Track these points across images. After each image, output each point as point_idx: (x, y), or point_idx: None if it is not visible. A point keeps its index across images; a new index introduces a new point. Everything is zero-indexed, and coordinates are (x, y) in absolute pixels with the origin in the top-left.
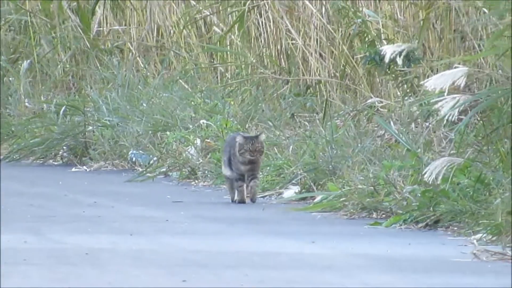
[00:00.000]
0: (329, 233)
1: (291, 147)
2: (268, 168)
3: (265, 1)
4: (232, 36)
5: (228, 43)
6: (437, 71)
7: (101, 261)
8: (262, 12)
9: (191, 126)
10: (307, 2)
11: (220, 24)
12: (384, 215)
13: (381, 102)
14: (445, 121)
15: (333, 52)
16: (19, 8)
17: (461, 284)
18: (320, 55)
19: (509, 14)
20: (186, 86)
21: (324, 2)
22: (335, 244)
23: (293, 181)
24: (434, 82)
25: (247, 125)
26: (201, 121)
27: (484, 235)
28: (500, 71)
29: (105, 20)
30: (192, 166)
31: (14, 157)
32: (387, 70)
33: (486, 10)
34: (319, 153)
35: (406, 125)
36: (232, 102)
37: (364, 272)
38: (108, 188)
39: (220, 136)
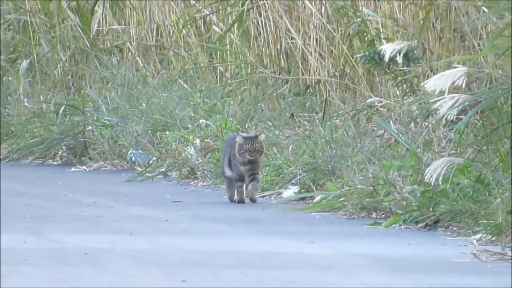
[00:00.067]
0: (329, 233)
1: (290, 147)
2: (267, 168)
3: (264, 1)
4: (232, 36)
5: (227, 43)
6: (436, 70)
7: (101, 261)
8: (262, 11)
9: (190, 126)
10: (306, 2)
11: (220, 23)
12: (383, 215)
13: (381, 101)
14: (444, 121)
15: (332, 51)
16: (18, 7)
17: (461, 284)
18: (320, 54)
19: (508, 13)
20: (186, 86)
21: (323, 2)
22: (335, 244)
23: (293, 181)
24: (434, 83)
25: (246, 125)
26: (201, 121)
27: (484, 235)
28: (500, 70)
29: (104, 20)
30: (191, 166)
31: (14, 157)
32: (387, 69)
33: (485, 10)
34: (318, 153)
35: (406, 125)
36: (232, 102)
37: (363, 272)
38: (108, 188)
39: (219, 136)
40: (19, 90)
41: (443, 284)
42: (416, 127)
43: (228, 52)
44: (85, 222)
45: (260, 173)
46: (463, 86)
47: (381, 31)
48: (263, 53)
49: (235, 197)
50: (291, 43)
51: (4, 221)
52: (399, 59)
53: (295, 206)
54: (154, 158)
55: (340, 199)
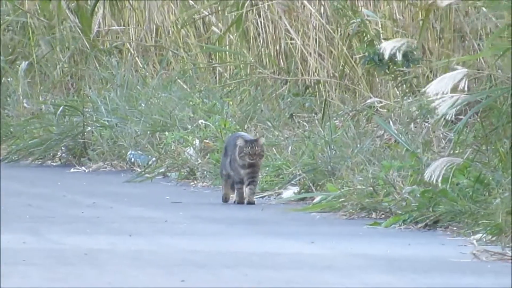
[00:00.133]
0: (328, 234)
1: (290, 147)
2: (267, 168)
3: (264, 1)
4: (231, 36)
5: (227, 43)
6: (436, 71)
7: (100, 262)
8: (261, 12)
9: (189, 127)
10: (306, 2)
11: (219, 24)
12: (383, 216)
13: (381, 102)
14: (444, 121)
15: (332, 52)
16: (17, 8)
17: (461, 284)
18: (319, 55)
19: (508, 13)
20: (185, 86)
21: (323, 2)
22: (335, 245)
23: (292, 182)
24: (435, 87)
25: (246, 126)
26: (200, 121)
27: (484, 235)
28: (499, 70)
29: (104, 21)
30: (191, 166)
31: (13, 157)
32: (387, 70)
33: (485, 10)
34: (318, 154)
35: (406, 125)
36: (231, 102)
37: (363, 272)
38: (107, 188)
39: (218, 136)
40: (18, 91)
41: (443, 284)
42: (415, 127)
43: (227, 52)
44: (85, 223)
45: (259, 176)
46: (465, 88)
47: (381, 31)
48: (263, 53)
49: (235, 198)
50: (291, 43)
51: (3, 221)
52: (399, 56)
53: (295, 206)
54: (154, 159)
55: (340, 200)
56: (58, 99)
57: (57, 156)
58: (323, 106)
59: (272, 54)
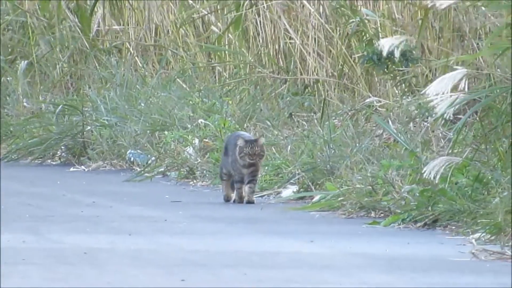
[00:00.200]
0: (328, 233)
1: (289, 146)
2: (266, 167)
3: (263, 1)
4: (230, 36)
5: (226, 42)
6: (435, 70)
7: (100, 261)
8: (260, 11)
9: (189, 126)
10: (305, 2)
11: (218, 23)
12: (382, 215)
13: (380, 101)
14: (443, 121)
15: (331, 51)
16: (17, 8)
17: (460, 284)
18: (318, 54)
19: (508, 12)
20: (184, 86)
21: (322, 2)
22: (334, 244)
23: (291, 181)
24: (435, 88)
25: (245, 125)
26: (199, 121)
27: (483, 234)
28: (498, 70)
29: (103, 20)
30: (190, 166)
31: (13, 157)
32: (385, 69)
33: (484, 9)
34: (317, 153)
35: (405, 125)
36: (230, 102)
37: (362, 271)
38: (107, 188)
39: (218, 135)
40: (18, 91)
41: (442, 283)
42: (415, 126)
43: (226, 52)
44: (84, 222)
45: (259, 175)
46: (465, 89)
47: (379, 30)
48: (262, 53)
49: (234, 197)
50: (290, 43)
51: (3, 221)
52: (397, 53)
53: (294, 205)
54: (153, 158)
55: (339, 199)
56: (57, 98)
57: (57, 155)
58: (322, 105)
59: (271, 53)
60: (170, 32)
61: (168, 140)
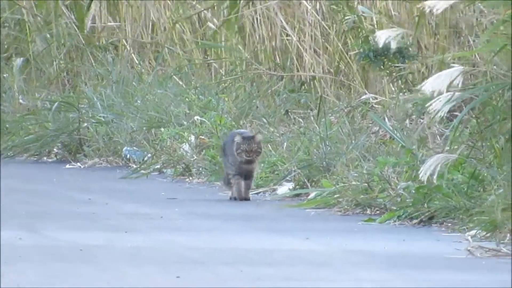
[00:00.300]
0: (323, 230)
1: (285, 143)
2: (262, 164)
3: (261, 2)
4: (227, 32)
5: (222, 39)
6: (431, 67)
7: (96, 258)
8: (257, 8)
9: (185, 123)
10: None
11: (214, 19)
12: (378, 212)
13: (376, 98)
14: (439, 118)
15: (327, 48)
16: (13, 4)
17: (455, 281)
18: (315, 51)
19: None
20: (180, 83)
21: None
22: (330, 241)
23: (287, 178)
24: (431, 85)
25: (241, 122)
26: (195, 118)
27: (479, 231)
28: (495, 66)
29: (99, 17)
30: (186, 163)
31: (8, 154)
32: (382, 66)
33: (481, 6)
34: (313, 150)
35: (401, 122)
36: (226, 99)
37: (358, 268)
38: (103, 185)
39: (214, 132)
40: (14, 87)
41: (437, 280)
42: (411, 123)
43: (223, 48)
44: (80, 219)
45: (256, 172)
46: (459, 85)
47: (376, 27)
48: (258, 49)
49: (232, 193)
50: (286, 39)
51: None
52: (393, 44)
53: (290, 202)
54: (149, 155)
55: (335, 196)
56: (54, 95)
57: (53, 152)
58: (318, 102)
59: (267, 50)
60: (166, 29)
61: (164, 137)
